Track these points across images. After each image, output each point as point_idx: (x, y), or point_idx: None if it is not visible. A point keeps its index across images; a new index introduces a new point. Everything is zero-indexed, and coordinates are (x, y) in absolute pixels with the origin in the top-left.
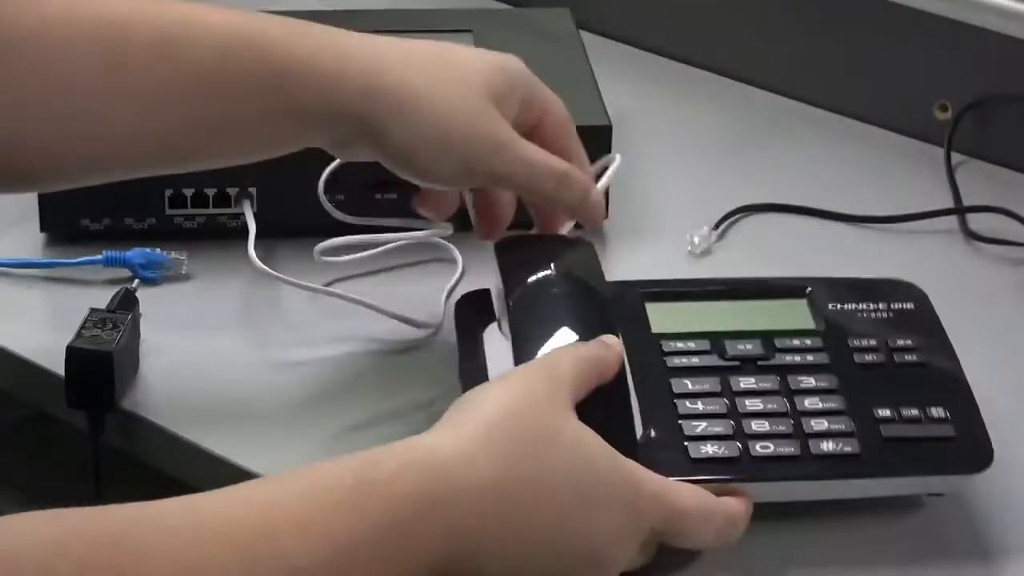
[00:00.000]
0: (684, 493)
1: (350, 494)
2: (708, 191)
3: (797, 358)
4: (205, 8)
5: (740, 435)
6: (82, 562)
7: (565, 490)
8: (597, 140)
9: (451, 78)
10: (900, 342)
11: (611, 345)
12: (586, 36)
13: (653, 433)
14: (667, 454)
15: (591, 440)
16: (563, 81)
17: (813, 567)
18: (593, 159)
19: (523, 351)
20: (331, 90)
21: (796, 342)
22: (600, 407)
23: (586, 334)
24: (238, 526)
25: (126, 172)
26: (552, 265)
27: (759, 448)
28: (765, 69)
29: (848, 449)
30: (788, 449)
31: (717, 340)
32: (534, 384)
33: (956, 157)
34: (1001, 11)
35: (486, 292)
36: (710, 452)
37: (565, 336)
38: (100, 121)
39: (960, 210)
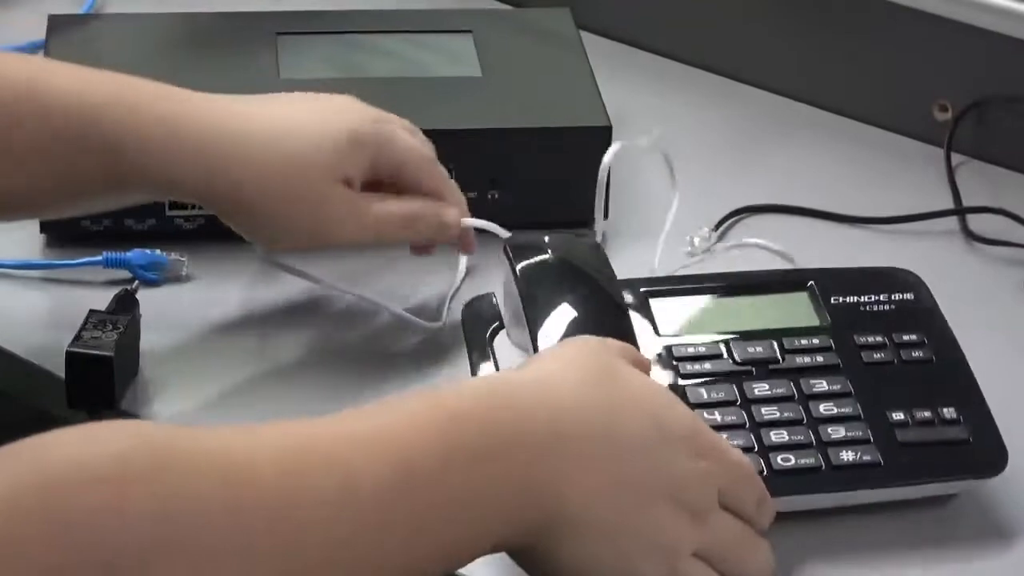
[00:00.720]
0: (733, 448)
1: (413, 412)
2: (708, 192)
3: (807, 359)
4: (51, 71)
5: (761, 448)
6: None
7: (641, 415)
8: (597, 140)
9: (287, 167)
10: (905, 337)
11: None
12: (586, 36)
13: None
14: None
15: (654, 382)
16: (563, 81)
17: (829, 556)
18: (592, 160)
19: (540, 347)
20: (169, 176)
21: (804, 342)
22: None
23: (604, 326)
24: (295, 435)
25: None
26: (568, 268)
27: (780, 460)
28: (765, 69)
29: (867, 458)
30: (808, 460)
31: (726, 343)
32: (588, 343)
33: (956, 157)
34: (1001, 11)
35: (490, 296)
36: None
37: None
38: None
39: (960, 211)
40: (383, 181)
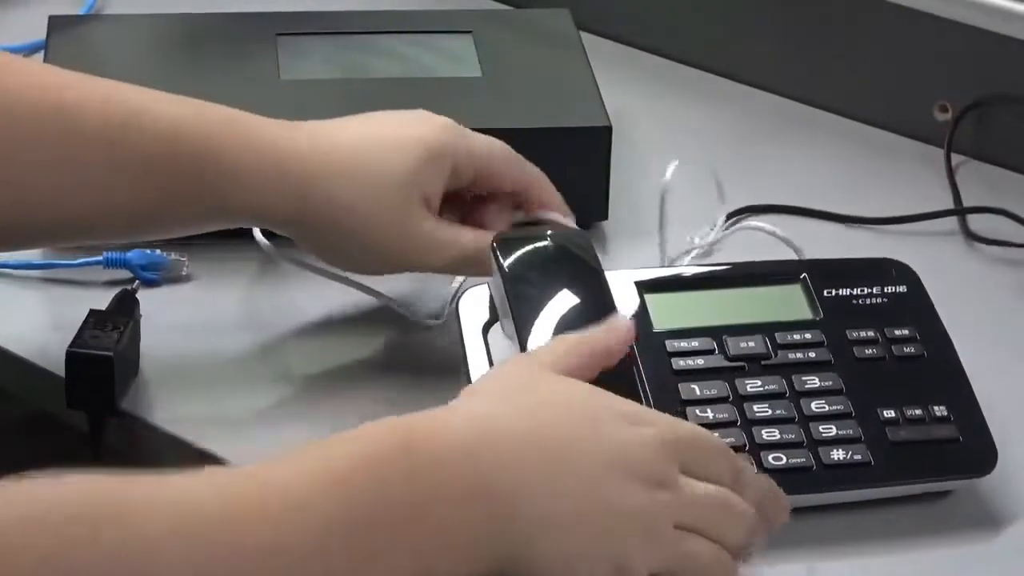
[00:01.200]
0: (684, 422)
1: (330, 443)
2: (708, 192)
3: (799, 355)
4: (153, 98)
5: (753, 446)
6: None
7: (564, 409)
8: (597, 140)
9: (377, 187)
10: (897, 332)
11: (614, 327)
12: (586, 36)
13: None
14: None
15: (575, 381)
16: (563, 81)
17: (820, 549)
18: (592, 160)
19: (528, 344)
20: (267, 203)
21: (797, 336)
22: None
23: (591, 324)
24: (239, 473)
25: (75, 241)
26: (551, 256)
27: (771, 460)
28: (765, 69)
29: (858, 457)
30: (799, 460)
31: (719, 336)
32: (506, 367)
33: (956, 157)
34: (1001, 11)
35: (484, 289)
36: None
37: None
38: (51, 195)
39: (960, 211)
40: (465, 188)
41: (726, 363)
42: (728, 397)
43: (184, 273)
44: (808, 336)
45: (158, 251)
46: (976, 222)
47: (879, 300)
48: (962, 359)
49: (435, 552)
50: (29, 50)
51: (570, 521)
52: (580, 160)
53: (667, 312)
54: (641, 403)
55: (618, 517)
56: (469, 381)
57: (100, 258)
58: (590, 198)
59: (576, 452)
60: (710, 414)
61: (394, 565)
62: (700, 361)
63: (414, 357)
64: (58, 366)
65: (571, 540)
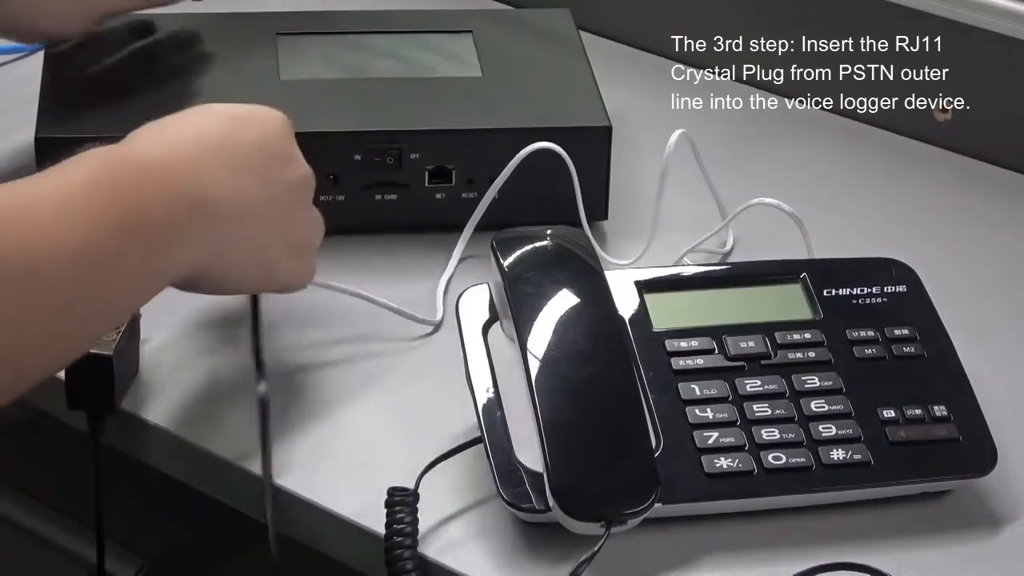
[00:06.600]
0: None
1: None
2: (708, 192)
3: (799, 355)
4: None
5: (752, 446)
6: None
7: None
8: (597, 140)
9: None
10: (897, 332)
11: None
12: (586, 36)
13: (667, 444)
14: (683, 468)
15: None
16: (563, 81)
17: (819, 547)
18: (592, 160)
19: (528, 344)
20: None
21: (796, 336)
22: (614, 418)
23: (591, 324)
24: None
25: None
26: (550, 255)
27: (771, 459)
28: (765, 69)
29: (858, 457)
30: (800, 459)
31: (719, 336)
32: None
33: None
34: (1001, 11)
35: (484, 288)
36: (725, 467)
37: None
38: None
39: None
40: None
41: (726, 363)
42: (728, 397)
43: None
44: (808, 336)
45: None
46: (975, 221)
47: (879, 300)
48: (962, 359)
49: (160, 252)
50: (29, 50)
51: (254, 209)
52: (580, 160)
53: (667, 312)
54: (644, 422)
55: (281, 198)
56: (469, 381)
57: None
58: (590, 198)
59: (244, 148)
60: (710, 413)
61: (133, 268)
62: (700, 361)
63: (414, 357)
64: None
65: (258, 224)
